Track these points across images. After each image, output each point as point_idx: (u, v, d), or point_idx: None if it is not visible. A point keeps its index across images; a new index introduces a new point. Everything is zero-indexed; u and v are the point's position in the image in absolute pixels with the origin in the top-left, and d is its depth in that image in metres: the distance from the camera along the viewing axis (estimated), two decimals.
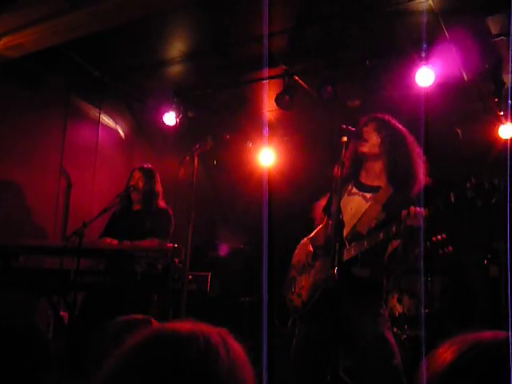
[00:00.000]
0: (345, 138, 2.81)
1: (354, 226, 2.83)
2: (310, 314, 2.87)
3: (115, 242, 3.99)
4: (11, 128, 5.03)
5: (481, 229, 4.83)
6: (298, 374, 2.88)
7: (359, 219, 2.84)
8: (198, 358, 0.96)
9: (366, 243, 2.71)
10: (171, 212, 4.22)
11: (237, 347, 1.03)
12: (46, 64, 5.04)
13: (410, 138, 2.96)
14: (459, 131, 5.03)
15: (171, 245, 3.66)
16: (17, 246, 3.72)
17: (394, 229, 2.64)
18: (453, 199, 2.48)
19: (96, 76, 5.50)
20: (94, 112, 5.93)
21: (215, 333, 1.02)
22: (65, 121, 5.58)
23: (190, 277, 3.89)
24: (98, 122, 5.95)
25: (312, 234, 3.11)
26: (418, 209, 2.56)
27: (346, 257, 2.72)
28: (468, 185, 2.46)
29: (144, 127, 6.44)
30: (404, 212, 2.59)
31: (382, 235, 2.68)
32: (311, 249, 3.01)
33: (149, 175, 4.35)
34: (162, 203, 4.32)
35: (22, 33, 4.58)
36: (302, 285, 2.95)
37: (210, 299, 4.69)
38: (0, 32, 4.63)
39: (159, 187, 4.37)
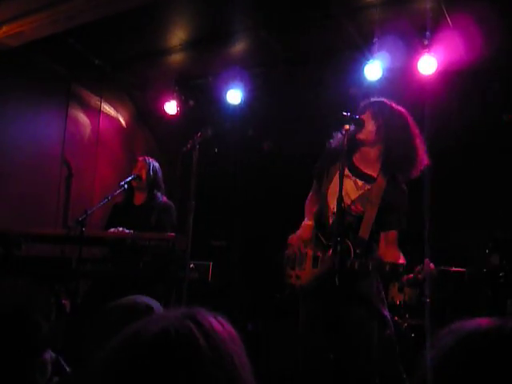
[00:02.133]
0: (347, 126, 2.80)
1: (349, 212, 2.88)
2: (308, 297, 2.93)
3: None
4: (12, 117, 5.02)
5: (481, 217, 4.83)
6: (303, 351, 2.92)
7: (352, 209, 2.89)
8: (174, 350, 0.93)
9: (370, 266, 2.77)
10: (173, 206, 4.23)
11: (218, 328, 0.99)
12: (46, 52, 5.02)
13: (409, 120, 2.97)
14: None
15: (173, 234, 3.66)
16: (19, 234, 3.73)
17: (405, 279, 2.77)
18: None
19: (97, 65, 5.48)
20: (94, 101, 5.92)
21: (186, 318, 0.97)
22: (66, 110, 5.57)
23: (192, 266, 3.90)
24: (99, 110, 5.94)
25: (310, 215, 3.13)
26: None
27: (349, 267, 2.76)
28: None
29: (145, 116, 6.43)
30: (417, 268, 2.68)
31: (388, 267, 2.75)
32: (311, 234, 3.02)
33: (152, 166, 4.34)
34: (164, 197, 4.32)
35: (22, 21, 4.56)
36: (304, 267, 2.97)
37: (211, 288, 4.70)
38: (0, 20, 4.62)
39: (161, 179, 4.36)
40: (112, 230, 3.99)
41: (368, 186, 2.93)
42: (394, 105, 3.01)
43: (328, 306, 2.66)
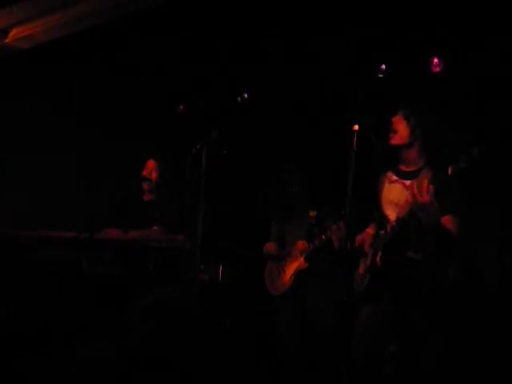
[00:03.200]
0: (356, 127, 2.78)
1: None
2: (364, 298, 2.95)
3: (117, 231, 3.97)
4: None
5: (492, 216, 4.78)
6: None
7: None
8: None
9: (396, 227, 2.78)
10: (181, 204, 4.22)
11: None
12: None
13: (441, 121, 2.95)
14: None
15: (183, 236, 3.66)
16: (28, 237, 3.75)
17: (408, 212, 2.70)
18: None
19: None
20: None
21: None
22: None
23: (202, 267, 3.90)
24: None
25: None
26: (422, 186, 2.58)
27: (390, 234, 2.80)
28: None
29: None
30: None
31: (404, 216, 2.74)
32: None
33: (163, 166, 4.34)
34: (172, 195, 4.32)
35: (31, 24, 4.59)
36: (359, 272, 3.00)
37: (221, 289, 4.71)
38: (10, 23, 4.65)
39: (171, 179, 4.36)
40: (109, 229, 4.00)
41: (418, 178, 2.87)
42: (425, 106, 2.99)
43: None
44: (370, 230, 3.09)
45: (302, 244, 3.98)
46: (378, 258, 2.82)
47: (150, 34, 4.65)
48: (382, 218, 2.98)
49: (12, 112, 5.08)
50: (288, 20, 4.26)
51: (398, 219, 2.81)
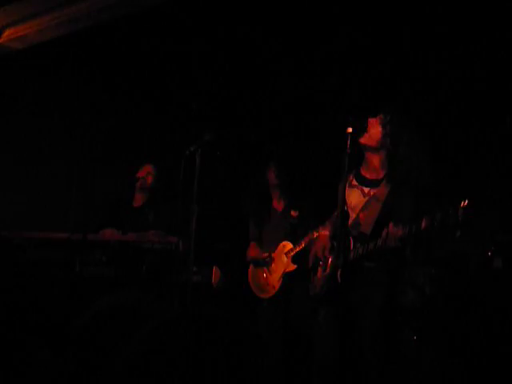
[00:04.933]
0: (350, 129, 2.80)
1: (356, 222, 2.87)
2: (322, 302, 2.94)
3: (117, 233, 3.98)
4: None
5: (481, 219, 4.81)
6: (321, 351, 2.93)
7: (359, 216, 2.87)
8: None
9: (360, 250, 2.76)
10: (174, 207, 4.22)
11: None
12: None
13: (419, 141, 2.88)
14: None
15: (176, 238, 3.67)
16: (21, 238, 3.74)
17: (379, 242, 2.69)
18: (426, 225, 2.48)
19: None
20: None
21: None
22: None
23: (195, 269, 3.91)
24: None
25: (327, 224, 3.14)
26: (393, 230, 2.60)
27: (352, 256, 2.78)
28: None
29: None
30: (384, 231, 2.64)
31: (372, 245, 2.73)
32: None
33: (159, 172, 4.35)
34: (165, 197, 4.32)
35: (25, 24, 4.57)
36: (318, 277, 2.99)
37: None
38: (3, 24, 4.63)
39: (164, 183, 4.37)
40: (107, 230, 3.99)
41: (374, 191, 2.89)
42: (407, 119, 2.94)
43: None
44: (327, 232, 3.07)
45: (286, 245, 3.94)
46: (338, 274, 2.77)
47: (143, 36, 4.66)
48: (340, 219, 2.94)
49: (5, 113, 5.06)
50: (283, 21, 4.27)
51: (363, 244, 2.78)
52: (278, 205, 4.16)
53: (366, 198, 2.88)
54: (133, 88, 5.20)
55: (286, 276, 3.90)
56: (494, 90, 4.08)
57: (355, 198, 2.92)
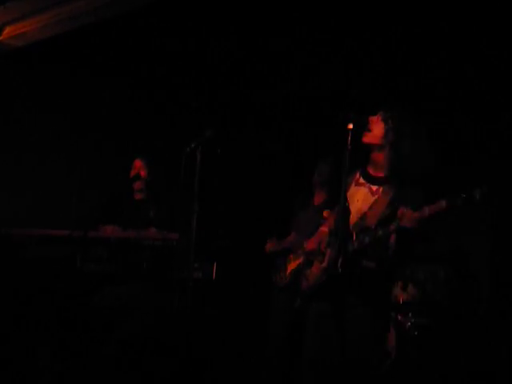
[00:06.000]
0: (350, 126, 2.78)
1: (362, 218, 2.83)
2: (315, 297, 2.91)
3: (119, 229, 3.98)
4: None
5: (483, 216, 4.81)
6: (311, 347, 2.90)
7: (366, 213, 2.83)
8: None
9: (367, 239, 2.72)
10: (175, 202, 4.22)
11: None
12: None
13: (422, 132, 2.87)
14: None
15: (177, 234, 3.67)
16: (22, 234, 3.75)
17: (392, 227, 2.66)
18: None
19: None
20: None
21: None
22: None
23: (196, 266, 3.91)
24: None
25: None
26: (409, 212, 2.58)
27: (350, 249, 2.74)
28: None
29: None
30: (400, 211, 2.62)
31: (380, 232, 2.70)
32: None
33: (150, 164, 4.33)
34: (165, 193, 4.32)
35: (25, 22, 4.58)
36: (312, 271, 2.96)
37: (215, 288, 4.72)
38: (3, 21, 4.64)
39: (161, 176, 4.36)
40: (108, 227, 3.99)
41: (382, 188, 2.86)
42: (408, 114, 2.93)
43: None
44: (325, 228, 3.05)
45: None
46: (339, 264, 2.66)
47: (143, 33, 4.66)
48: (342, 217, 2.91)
49: (4, 110, 5.07)
50: (283, 19, 4.28)
51: (369, 233, 2.75)
52: (318, 200, 4.21)
53: (376, 197, 2.85)
54: (133, 85, 5.20)
55: (297, 272, 3.91)
56: (494, 91, 4.09)
57: (362, 196, 2.90)
